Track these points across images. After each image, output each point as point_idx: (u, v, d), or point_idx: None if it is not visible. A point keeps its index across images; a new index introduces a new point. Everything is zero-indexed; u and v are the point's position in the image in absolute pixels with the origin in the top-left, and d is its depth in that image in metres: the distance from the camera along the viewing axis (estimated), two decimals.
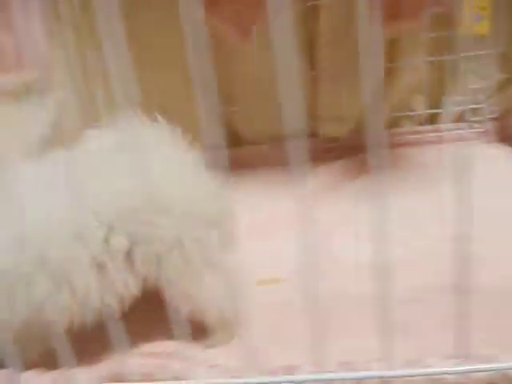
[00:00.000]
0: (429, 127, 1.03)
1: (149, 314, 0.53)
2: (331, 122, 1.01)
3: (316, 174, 0.93)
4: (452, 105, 1.00)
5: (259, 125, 1.02)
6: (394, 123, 1.04)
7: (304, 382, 0.39)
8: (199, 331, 0.53)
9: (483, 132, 1.00)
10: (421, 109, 1.04)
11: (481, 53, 0.93)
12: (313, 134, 1.02)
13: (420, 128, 1.03)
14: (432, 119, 1.04)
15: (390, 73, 0.99)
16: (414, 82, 1.01)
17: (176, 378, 0.41)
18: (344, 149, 0.98)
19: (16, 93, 0.68)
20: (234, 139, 1.05)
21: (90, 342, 0.48)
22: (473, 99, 0.98)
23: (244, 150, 1.03)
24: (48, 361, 0.42)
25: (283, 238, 0.68)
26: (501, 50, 0.93)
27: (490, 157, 0.92)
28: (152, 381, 0.41)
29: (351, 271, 0.63)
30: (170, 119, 0.54)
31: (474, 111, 0.99)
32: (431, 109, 1.03)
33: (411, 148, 1.00)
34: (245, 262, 0.57)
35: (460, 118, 1.01)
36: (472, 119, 0.99)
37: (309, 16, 0.97)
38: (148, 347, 0.54)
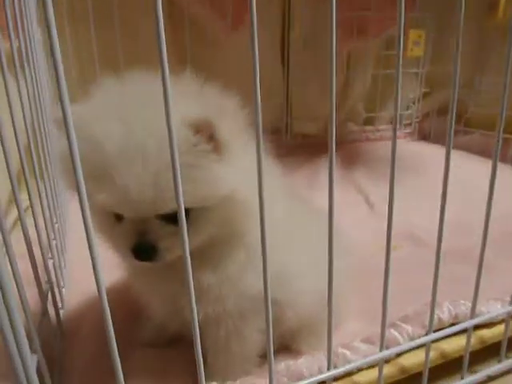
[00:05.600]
0: (371, 127, 1.25)
1: None
2: (303, 120, 1.14)
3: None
4: (388, 110, 1.25)
5: None
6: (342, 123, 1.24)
7: None
8: None
9: (410, 132, 1.27)
10: (362, 113, 1.26)
11: (413, 71, 1.20)
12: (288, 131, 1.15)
13: (365, 128, 1.25)
14: (370, 121, 1.27)
15: (346, 82, 1.18)
16: (363, 90, 1.22)
17: None
18: (315, 145, 1.13)
19: None
20: None
21: None
22: (404, 107, 1.25)
23: None
24: None
25: None
26: (426, 69, 1.21)
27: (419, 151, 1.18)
28: None
29: None
30: None
31: (404, 116, 1.26)
32: (368, 113, 1.26)
33: (360, 143, 1.22)
34: None
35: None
36: (404, 122, 1.26)
37: (285, 25, 1.09)
38: None
